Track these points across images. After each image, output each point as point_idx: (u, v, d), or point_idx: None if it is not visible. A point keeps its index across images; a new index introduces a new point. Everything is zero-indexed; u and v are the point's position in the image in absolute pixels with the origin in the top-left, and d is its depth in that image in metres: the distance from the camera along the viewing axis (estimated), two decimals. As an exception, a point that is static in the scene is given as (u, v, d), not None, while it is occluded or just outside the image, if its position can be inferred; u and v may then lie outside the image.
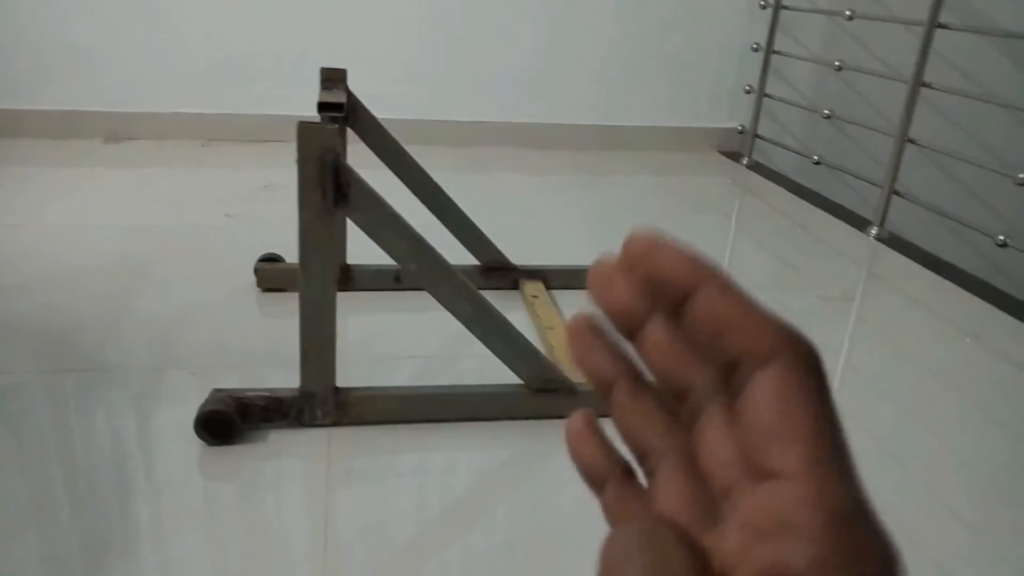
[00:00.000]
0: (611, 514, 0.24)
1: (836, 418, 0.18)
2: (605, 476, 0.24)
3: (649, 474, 0.23)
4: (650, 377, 0.23)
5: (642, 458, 0.23)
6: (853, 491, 0.18)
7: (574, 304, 1.73)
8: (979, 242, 2.26)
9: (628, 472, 0.24)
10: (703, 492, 0.21)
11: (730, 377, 0.19)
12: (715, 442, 0.20)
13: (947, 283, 2.09)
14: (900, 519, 1.15)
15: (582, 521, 1.10)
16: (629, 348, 0.22)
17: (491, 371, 1.27)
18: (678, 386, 0.21)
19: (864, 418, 1.42)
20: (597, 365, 0.23)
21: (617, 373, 0.23)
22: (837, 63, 2.68)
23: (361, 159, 1.49)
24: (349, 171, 1.05)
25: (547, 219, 2.36)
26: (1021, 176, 2.01)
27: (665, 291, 0.19)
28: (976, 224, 2.22)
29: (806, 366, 0.18)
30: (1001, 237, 2.05)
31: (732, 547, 0.18)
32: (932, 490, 1.24)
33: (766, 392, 0.18)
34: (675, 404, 0.22)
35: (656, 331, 0.21)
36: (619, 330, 0.22)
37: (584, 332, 0.23)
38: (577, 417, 0.24)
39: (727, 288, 0.19)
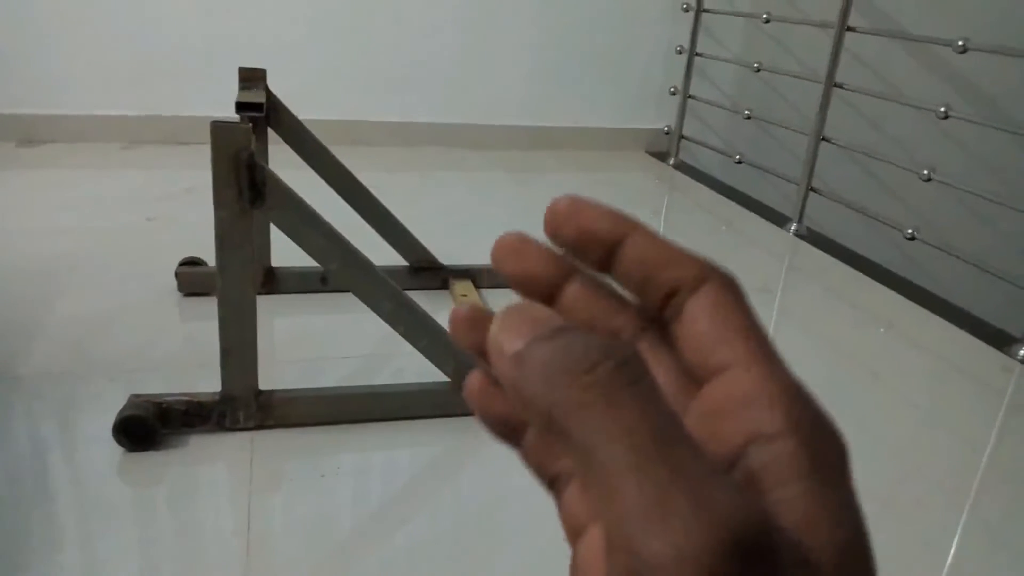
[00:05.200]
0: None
1: (762, 324, 0.20)
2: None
3: None
4: None
5: None
6: (793, 374, 0.20)
7: (504, 302, 1.74)
8: (892, 235, 2.36)
9: None
10: None
11: (660, 314, 0.21)
12: None
13: (861, 275, 2.18)
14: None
15: (510, 516, 1.11)
16: None
17: (423, 370, 1.28)
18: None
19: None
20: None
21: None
22: (756, 64, 2.77)
23: (286, 160, 1.48)
24: (264, 170, 1.05)
25: (476, 218, 2.37)
26: (926, 172, 2.11)
27: (593, 245, 0.21)
28: (888, 218, 2.32)
29: (731, 286, 0.21)
30: (910, 230, 2.15)
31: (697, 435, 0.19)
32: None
33: (704, 308, 0.20)
34: None
35: (574, 290, 0.22)
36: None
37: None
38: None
39: (652, 235, 0.21)
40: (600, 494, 0.16)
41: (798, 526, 0.16)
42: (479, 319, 0.22)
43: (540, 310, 0.19)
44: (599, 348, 0.17)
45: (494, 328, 0.19)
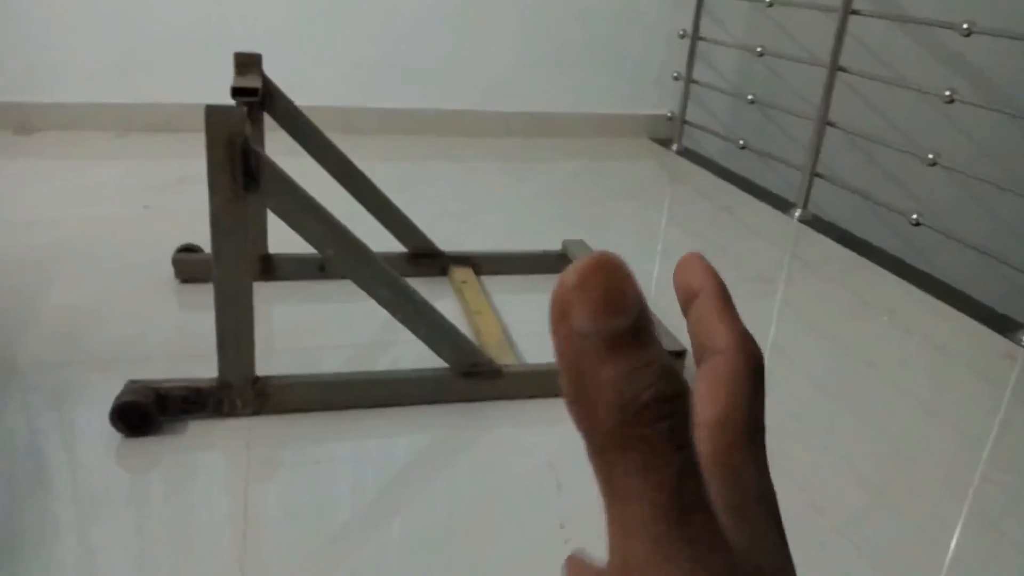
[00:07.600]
0: None
1: (756, 399, 0.23)
2: None
3: None
4: None
5: None
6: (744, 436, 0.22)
7: (503, 289, 1.73)
8: (896, 221, 2.34)
9: None
10: None
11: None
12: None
13: (865, 262, 2.16)
14: (810, 486, 1.19)
15: (507, 503, 1.10)
16: None
17: (420, 357, 1.26)
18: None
19: (782, 392, 1.46)
20: None
21: None
22: (759, 49, 2.74)
23: (283, 147, 1.46)
24: (259, 155, 1.03)
25: (475, 206, 2.35)
26: (931, 157, 2.09)
27: (684, 299, 0.25)
28: (892, 204, 2.30)
29: (737, 361, 0.23)
30: (914, 216, 2.13)
31: None
32: (843, 459, 1.28)
33: (705, 372, 0.23)
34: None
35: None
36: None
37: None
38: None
39: (714, 297, 0.24)
40: (616, 528, 0.16)
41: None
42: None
43: (629, 284, 0.16)
44: (661, 386, 0.16)
45: (571, 278, 0.16)
